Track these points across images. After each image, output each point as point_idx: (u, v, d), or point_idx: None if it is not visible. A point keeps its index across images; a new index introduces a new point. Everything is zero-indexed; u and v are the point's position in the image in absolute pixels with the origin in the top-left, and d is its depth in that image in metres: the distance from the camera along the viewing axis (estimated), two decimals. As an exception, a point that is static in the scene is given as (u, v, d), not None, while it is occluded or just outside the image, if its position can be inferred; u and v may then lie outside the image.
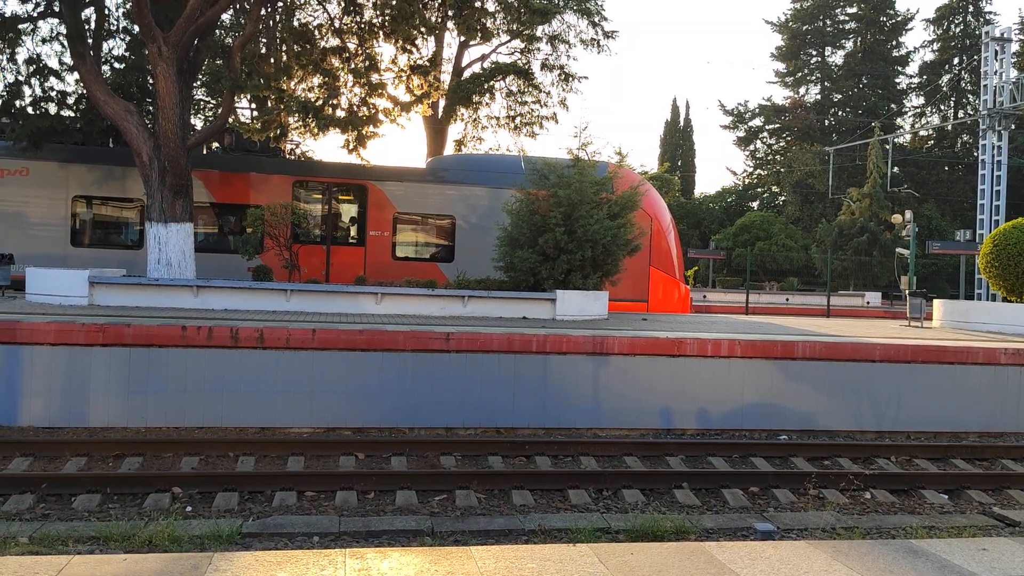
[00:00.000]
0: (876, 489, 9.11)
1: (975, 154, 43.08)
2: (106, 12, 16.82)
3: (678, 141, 66.44)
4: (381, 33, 16.39)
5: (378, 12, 16.40)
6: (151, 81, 16.73)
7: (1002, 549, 5.75)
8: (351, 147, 16.03)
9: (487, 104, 26.71)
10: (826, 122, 60.76)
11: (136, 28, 16.89)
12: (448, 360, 11.11)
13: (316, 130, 16.00)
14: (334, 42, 17.04)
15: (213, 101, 21.86)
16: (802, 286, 46.74)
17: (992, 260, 16.48)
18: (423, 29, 16.35)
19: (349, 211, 18.93)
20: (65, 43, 16.21)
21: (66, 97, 17.25)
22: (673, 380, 11.67)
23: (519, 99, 27.06)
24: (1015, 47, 33.47)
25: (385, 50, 53.44)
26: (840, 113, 61.10)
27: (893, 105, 57.78)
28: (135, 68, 18.10)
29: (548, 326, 12.81)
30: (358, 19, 16.76)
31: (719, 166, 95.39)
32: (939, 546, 5.74)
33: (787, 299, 37.08)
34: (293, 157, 23.49)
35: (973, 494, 9.19)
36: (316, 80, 16.92)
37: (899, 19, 59.37)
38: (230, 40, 18.79)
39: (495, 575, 4.84)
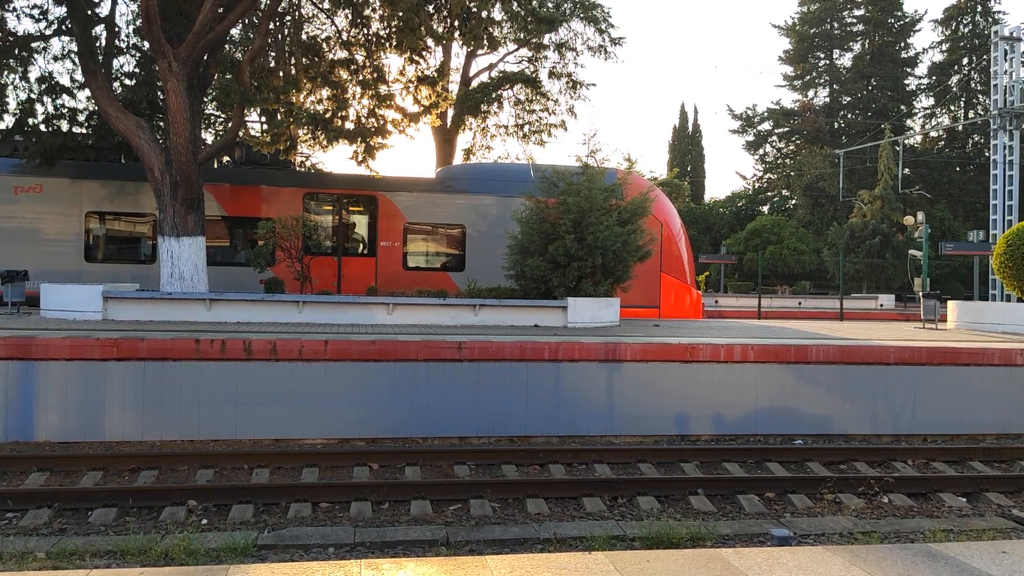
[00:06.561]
0: (893, 493, 9.03)
1: (986, 154, 42.88)
2: (116, 29, 16.97)
3: (687, 146, 66.32)
4: (388, 45, 16.50)
5: (385, 24, 16.51)
6: (161, 96, 16.87)
7: (1022, 551, 5.69)
8: (360, 158, 16.15)
9: (495, 113, 26.85)
10: (835, 125, 60.60)
11: (146, 44, 17.05)
12: (461, 369, 11.12)
13: (325, 142, 16.15)
14: (342, 54, 17.16)
15: (223, 115, 22.01)
16: (814, 289, 46.51)
17: (1006, 260, 16.36)
18: (430, 40, 16.44)
19: (360, 222, 19.01)
20: (76, 60, 16.36)
21: (78, 114, 17.38)
22: (686, 386, 11.63)
23: (527, 107, 27.15)
24: (1025, 46, 33.21)
25: (392, 61, 53.61)
26: (849, 115, 60.93)
27: (903, 106, 57.55)
28: (145, 84, 18.26)
29: (560, 334, 12.79)
30: (365, 31, 16.87)
31: (729, 171, 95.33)
32: (958, 549, 5.69)
33: (799, 303, 36.87)
34: (303, 169, 23.65)
35: (992, 496, 9.10)
36: (325, 92, 17.05)
37: (907, 20, 59.20)
38: (239, 54, 18.93)
39: (511, 584, 4.83)
